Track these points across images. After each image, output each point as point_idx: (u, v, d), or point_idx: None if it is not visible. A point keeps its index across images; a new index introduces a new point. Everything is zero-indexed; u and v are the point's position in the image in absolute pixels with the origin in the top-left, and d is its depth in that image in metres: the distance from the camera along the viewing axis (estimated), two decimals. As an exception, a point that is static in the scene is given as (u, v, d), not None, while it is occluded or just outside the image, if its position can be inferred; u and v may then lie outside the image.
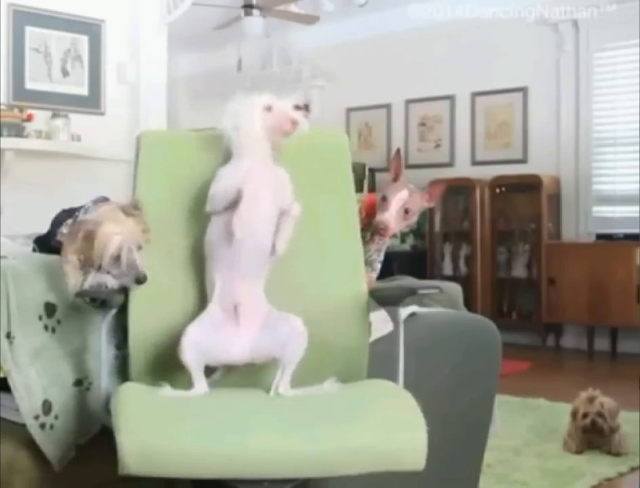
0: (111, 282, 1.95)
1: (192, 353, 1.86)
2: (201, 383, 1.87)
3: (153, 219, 2.02)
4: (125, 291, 1.96)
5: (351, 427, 1.69)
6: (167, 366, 1.93)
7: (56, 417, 1.91)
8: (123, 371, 2.02)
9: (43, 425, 1.89)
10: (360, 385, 1.93)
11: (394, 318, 1.99)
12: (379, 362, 2.03)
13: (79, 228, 1.95)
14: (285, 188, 1.96)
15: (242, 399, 1.86)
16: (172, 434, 1.63)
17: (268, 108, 1.97)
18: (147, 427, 1.65)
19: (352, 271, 2.08)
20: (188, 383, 1.88)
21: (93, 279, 1.94)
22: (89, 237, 1.92)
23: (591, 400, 3.60)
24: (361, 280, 2.08)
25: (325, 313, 2.02)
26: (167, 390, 1.83)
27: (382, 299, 2.07)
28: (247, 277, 1.93)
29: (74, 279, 1.92)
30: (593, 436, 3.57)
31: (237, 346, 1.92)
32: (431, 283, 2.78)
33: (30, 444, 1.89)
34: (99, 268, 1.93)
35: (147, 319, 1.98)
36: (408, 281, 2.73)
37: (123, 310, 1.97)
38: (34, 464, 1.90)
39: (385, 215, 2.26)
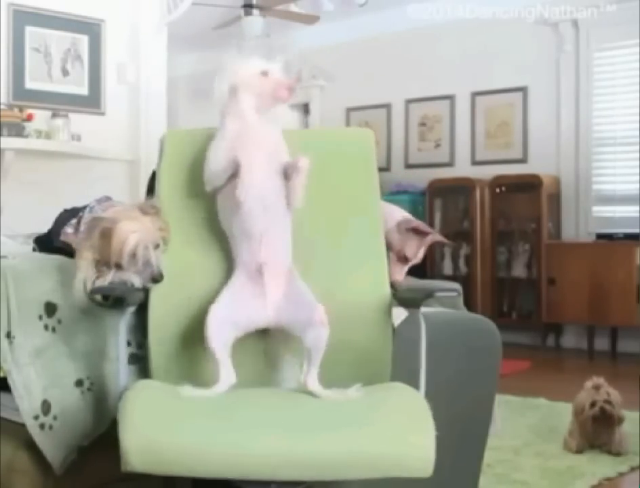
0: (135, 280, 1.95)
1: (218, 335, 1.87)
2: (226, 371, 1.86)
3: (177, 217, 2.03)
4: (144, 289, 1.96)
5: (359, 432, 1.68)
6: (188, 361, 1.93)
7: (55, 418, 1.90)
8: (133, 370, 2.01)
9: (42, 426, 1.88)
10: (376, 390, 1.91)
11: (416, 321, 1.98)
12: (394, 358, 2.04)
13: (96, 225, 1.95)
14: (281, 144, 1.97)
15: (252, 399, 1.86)
16: (177, 431, 1.63)
17: (264, 73, 1.97)
18: (151, 424, 1.64)
19: (376, 272, 2.08)
20: (210, 378, 1.87)
21: (114, 276, 1.94)
22: (106, 235, 1.91)
23: (597, 388, 3.59)
24: (385, 281, 2.08)
25: (348, 314, 2.01)
26: (188, 389, 1.81)
27: (402, 301, 2.06)
28: (265, 237, 1.92)
29: (86, 276, 1.92)
30: (602, 427, 3.53)
31: (263, 310, 1.93)
32: (449, 285, 2.76)
33: (30, 445, 1.89)
34: (116, 267, 1.93)
35: (169, 316, 1.98)
36: (412, 281, 2.73)
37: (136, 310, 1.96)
38: (34, 464, 1.90)
39: (400, 277, 2.30)
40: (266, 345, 2.02)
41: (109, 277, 1.93)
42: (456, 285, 3.08)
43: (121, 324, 1.88)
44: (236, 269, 1.96)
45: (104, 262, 1.93)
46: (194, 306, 1.98)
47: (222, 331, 1.88)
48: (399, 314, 2.13)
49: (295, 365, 1.95)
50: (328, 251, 2.06)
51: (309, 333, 1.89)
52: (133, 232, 1.91)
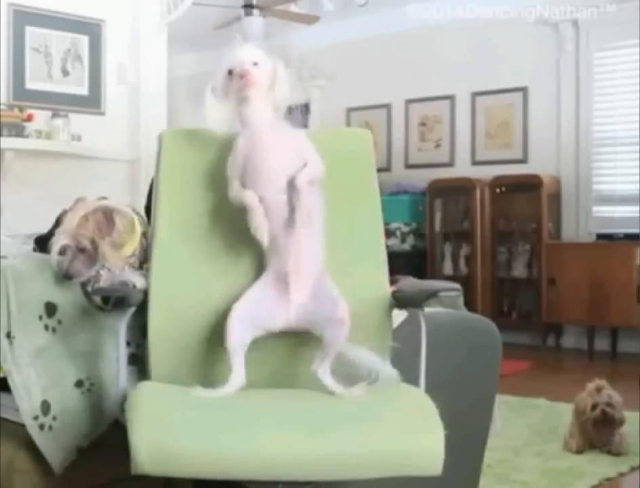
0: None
1: (236, 335, 1.86)
2: (237, 372, 1.85)
3: (174, 217, 2.01)
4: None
5: (368, 431, 1.68)
6: (189, 362, 1.92)
7: (55, 418, 1.90)
8: (133, 370, 2.01)
9: (42, 426, 1.88)
10: (379, 389, 1.90)
11: (417, 320, 1.98)
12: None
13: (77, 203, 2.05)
14: (295, 151, 1.93)
15: (261, 399, 1.85)
16: (186, 434, 1.62)
17: (230, 73, 1.93)
18: (161, 427, 1.63)
19: (376, 273, 2.07)
20: (209, 379, 1.87)
21: (113, 277, 1.94)
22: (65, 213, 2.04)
23: (599, 390, 3.58)
24: (385, 282, 2.07)
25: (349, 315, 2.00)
26: (199, 390, 1.80)
27: (404, 300, 2.05)
28: (291, 247, 1.91)
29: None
30: (603, 429, 3.53)
31: (282, 312, 1.92)
32: (450, 285, 2.75)
33: (30, 445, 1.89)
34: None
35: (169, 317, 1.96)
36: (410, 281, 2.73)
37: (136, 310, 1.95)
38: (34, 464, 1.90)
39: None
40: (287, 347, 2.01)
41: (105, 276, 1.95)
42: (456, 285, 3.08)
43: (122, 326, 1.87)
44: (265, 270, 1.95)
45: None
46: (194, 308, 1.97)
47: (240, 331, 1.88)
48: (397, 315, 2.12)
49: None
50: (330, 254, 2.02)
51: (328, 330, 1.89)
52: (63, 230, 1.98)
